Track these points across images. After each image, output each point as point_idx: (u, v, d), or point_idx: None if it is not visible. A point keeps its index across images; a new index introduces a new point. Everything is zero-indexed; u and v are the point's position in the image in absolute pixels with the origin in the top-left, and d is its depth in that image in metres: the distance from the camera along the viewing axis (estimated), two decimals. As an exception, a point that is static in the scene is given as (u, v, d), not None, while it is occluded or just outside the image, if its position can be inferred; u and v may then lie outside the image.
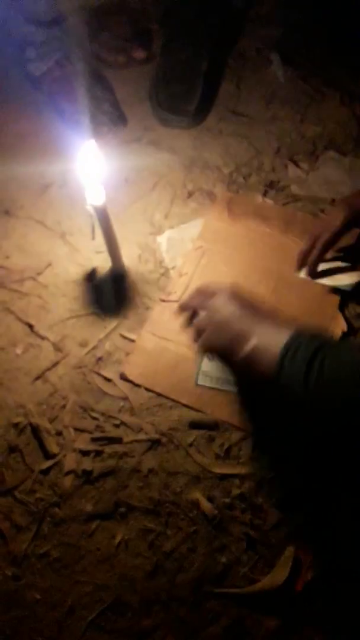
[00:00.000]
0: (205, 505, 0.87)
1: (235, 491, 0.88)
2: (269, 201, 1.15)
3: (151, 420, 0.93)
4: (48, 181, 1.20)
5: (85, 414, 0.95)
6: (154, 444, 0.92)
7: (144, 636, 0.81)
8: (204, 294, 0.88)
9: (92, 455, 0.91)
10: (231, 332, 0.80)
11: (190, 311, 0.90)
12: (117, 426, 0.93)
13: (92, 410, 0.95)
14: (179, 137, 1.26)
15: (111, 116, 1.26)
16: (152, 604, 0.82)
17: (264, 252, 1.08)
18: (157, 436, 0.92)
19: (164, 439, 0.92)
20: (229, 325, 0.81)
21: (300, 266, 1.04)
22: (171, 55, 1.32)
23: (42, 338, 1.01)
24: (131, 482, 0.89)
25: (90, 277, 1.07)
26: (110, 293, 1.06)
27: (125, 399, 0.95)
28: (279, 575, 0.82)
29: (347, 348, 0.74)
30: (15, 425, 0.94)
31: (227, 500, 0.87)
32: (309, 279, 1.04)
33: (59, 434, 0.93)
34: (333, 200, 1.15)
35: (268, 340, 0.76)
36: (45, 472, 0.90)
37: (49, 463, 0.91)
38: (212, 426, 0.92)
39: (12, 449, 0.93)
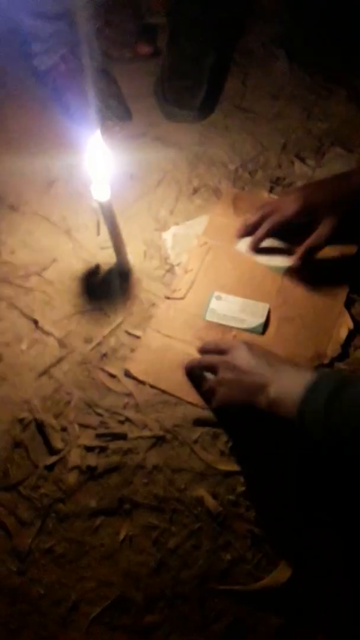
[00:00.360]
0: (210, 502, 0.87)
1: (240, 488, 0.88)
2: (275, 197, 1.14)
3: (156, 416, 0.93)
4: (53, 176, 1.19)
5: (89, 410, 0.95)
6: (159, 440, 0.92)
7: (148, 632, 0.81)
8: (215, 351, 0.90)
9: (96, 451, 0.91)
10: (248, 384, 0.81)
11: (202, 371, 0.93)
12: (121, 422, 0.93)
13: (97, 406, 0.95)
14: (184, 133, 1.25)
15: (116, 111, 1.26)
16: (156, 600, 0.82)
17: (269, 248, 1.08)
18: (161, 433, 0.92)
19: (168, 436, 0.92)
20: (246, 377, 0.81)
21: (240, 236, 1.06)
22: (177, 50, 1.31)
23: (47, 334, 1.01)
24: (135, 478, 0.89)
25: (95, 273, 1.07)
26: (115, 289, 1.06)
27: (130, 395, 0.95)
28: (283, 573, 0.82)
29: None
30: (20, 420, 0.94)
31: (231, 497, 0.87)
32: (247, 253, 1.06)
33: (64, 429, 0.93)
34: (290, 185, 1.16)
35: (287, 387, 0.76)
36: (49, 467, 0.90)
37: (54, 459, 0.91)
38: (217, 423, 0.92)
39: (17, 445, 0.93)
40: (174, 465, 0.90)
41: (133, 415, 0.93)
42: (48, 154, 1.22)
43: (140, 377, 0.96)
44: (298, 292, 1.03)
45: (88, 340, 1.00)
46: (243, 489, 0.88)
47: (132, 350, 0.99)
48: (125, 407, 0.95)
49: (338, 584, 0.82)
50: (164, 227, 1.12)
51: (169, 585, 0.83)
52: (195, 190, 1.17)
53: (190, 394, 0.95)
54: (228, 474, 0.89)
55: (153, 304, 1.03)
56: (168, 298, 1.04)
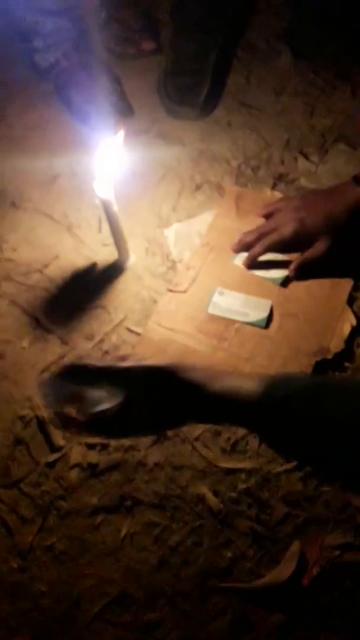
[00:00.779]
0: (211, 499, 0.87)
1: (241, 486, 0.87)
2: (277, 194, 1.14)
3: (157, 414, 0.93)
4: (55, 173, 1.19)
5: (91, 407, 0.94)
6: (160, 437, 0.91)
7: (149, 630, 0.81)
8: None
9: (97, 448, 0.91)
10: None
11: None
12: (123, 420, 0.93)
13: (98, 403, 0.94)
14: (187, 129, 1.25)
15: (119, 107, 1.25)
16: (157, 597, 0.82)
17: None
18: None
19: (169, 433, 0.91)
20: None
21: (237, 251, 1.06)
22: (180, 46, 1.31)
23: (49, 331, 1.01)
24: (137, 475, 0.89)
25: (97, 270, 1.07)
26: (117, 286, 1.06)
27: (132, 392, 0.95)
28: (284, 570, 0.81)
29: None
30: (22, 418, 0.94)
31: (233, 494, 0.87)
32: (243, 268, 1.05)
33: (65, 427, 0.93)
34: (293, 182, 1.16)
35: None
36: (51, 465, 0.90)
37: (55, 456, 0.91)
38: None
39: (18, 442, 0.93)
40: (175, 463, 0.90)
41: (134, 413, 0.93)
42: (50, 151, 1.22)
43: (142, 373, 0.96)
44: (300, 289, 1.02)
45: (89, 338, 1.00)
46: (244, 486, 0.87)
47: (134, 347, 0.99)
48: (126, 404, 0.94)
49: (340, 582, 0.82)
50: (166, 224, 1.12)
51: (170, 583, 0.83)
52: (198, 187, 1.17)
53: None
54: (229, 472, 0.89)
55: (155, 301, 1.03)
56: (170, 291, 1.03)
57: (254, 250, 1.03)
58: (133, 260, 1.07)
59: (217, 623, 0.81)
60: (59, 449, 0.91)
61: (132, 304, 1.03)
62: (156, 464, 0.89)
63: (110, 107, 1.24)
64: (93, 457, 0.90)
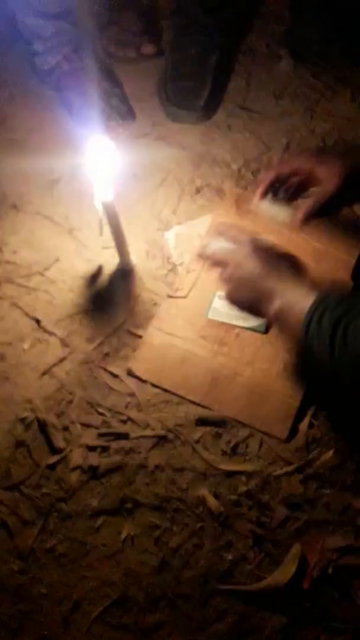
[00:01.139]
0: (212, 501, 0.87)
1: (242, 488, 0.88)
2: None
3: (158, 416, 0.93)
4: (56, 176, 1.19)
5: (92, 409, 0.95)
6: (161, 440, 0.92)
7: (150, 632, 0.81)
8: (225, 238, 0.87)
9: (98, 450, 0.91)
10: (255, 291, 0.80)
11: (210, 260, 0.88)
12: (123, 422, 0.93)
13: (99, 405, 0.95)
14: (187, 133, 1.25)
15: (119, 111, 1.26)
16: (158, 599, 0.82)
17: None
18: (163, 432, 0.92)
19: (170, 435, 0.92)
20: (253, 284, 0.81)
21: (264, 192, 0.99)
22: (181, 50, 1.31)
23: (49, 333, 1.01)
24: (137, 478, 0.89)
25: (97, 272, 1.07)
26: (118, 289, 1.06)
27: (132, 394, 0.95)
28: (285, 572, 0.81)
29: None
30: (22, 420, 0.94)
31: (233, 497, 0.87)
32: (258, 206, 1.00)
33: (66, 429, 0.93)
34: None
35: (293, 304, 0.76)
36: (51, 467, 0.90)
37: (56, 458, 0.91)
38: (219, 423, 0.92)
39: (19, 444, 0.93)
40: (175, 465, 0.90)
41: (135, 415, 0.93)
42: (51, 154, 1.22)
43: (143, 376, 0.96)
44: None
45: (90, 340, 1.00)
46: (245, 488, 0.87)
47: (134, 350, 0.99)
48: (127, 406, 0.95)
49: (341, 585, 0.82)
50: (167, 227, 1.12)
51: (171, 585, 0.83)
52: (198, 190, 1.17)
53: (191, 392, 0.95)
54: (230, 474, 0.89)
55: (155, 304, 1.03)
56: (170, 297, 1.04)
57: (307, 209, 0.94)
58: (134, 263, 1.08)
59: (218, 625, 0.81)
60: (60, 451, 0.91)
61: (132, 307, 1.04)
62: (157, 467, 0.90)
63: (111, 110, 1.24)
64: (94, 459, 0.90)
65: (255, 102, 1.29)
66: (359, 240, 1.07)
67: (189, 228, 1.12)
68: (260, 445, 0.90)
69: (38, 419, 0.94)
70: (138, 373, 0.97)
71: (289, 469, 0.88)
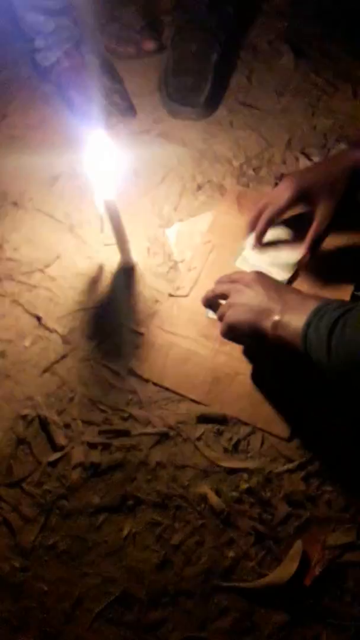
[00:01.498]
0: (213, 499, 0.87)
1: (244, 485, 0.88)
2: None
3: (159, 413, 0.93)
4: (57, 173, 1.19)
5: (93, 406, 0.95)
6: (162, 437, 0.91)
7: (152, 629, 0.81)
8: (228, 281, 0.91)
9: (100, 448, 0.91)
10: (254, 312, 0.82)
11: (215, 301, 0.94)
12: (125, 419, 0.93)
13: (100, 403, 0.95)
14: (188, 129, 1.25)
15: (120, 107, 1.25)
16: (160, 597, 0.82)
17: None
18: (165, 429, 0.92)
19: (172, 433, 0.92)
20: (252, 306, 0.83)
21: (250, 231, 1.05)
22: (182, 46, 1.31)
23: (51, 330, 1.01)
24: (139, 475, 0.89)
25: (99, 269, 1.07)
26: (119, 286, 1.06)
27: (134, 392, 0.95)
28: (287, 570, 0.81)
29: None
30: (24, 417, 0.94)
31: (235, 494, 0.87)
32: (254, 251, 1.05)
33: (67, 426, 0.93)
34: (282, 175, 1.15)
35: (292, 313, 0.78)
36: (53, 464, 0.90)
37: (57, 455, 0.91)
38: (221, 420, 0.92)
39: (20, 441, 0.93)
40: (177, 462, 0.90)
41: (136, 412, 0.93)
42: (51, 150, 1.22)
43: (144, 375, 0.96)
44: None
45: (91, 337, 1.00)
46: (247, 486, 0.87)
47: (136, 347, 0.99)
48: (128, 403, 0.95)
49: (342, 582, 0.82)
50: (168, 224, 1.12)
51: (173, 582, 0.83)
52: (200, 187, 1.17)
53: (193, 391, 0.94)
54: (231, 471, 0.89)
55: (157, 301, 1.03)
56: (172, 296, 1.04)
57: (258, 229, 1.01)
58: (135, 260, 1.07)
59: (220, 622, 0.81)
60: (61, 448, 0.91)
61: (134, 304, 1.03)
62: (158, 464, 0.90)
63: (111, 107, 1.24)
64: (95, 456, 0.90)
65: (257, 99, 1.29)
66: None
67: (190, 225, 1.12)
68: (262, 443, 0.90)
69: (39, 416, 0.94)
70: (139, 372, 0.97)
71: (291, 466, 0.88)
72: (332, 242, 1.05)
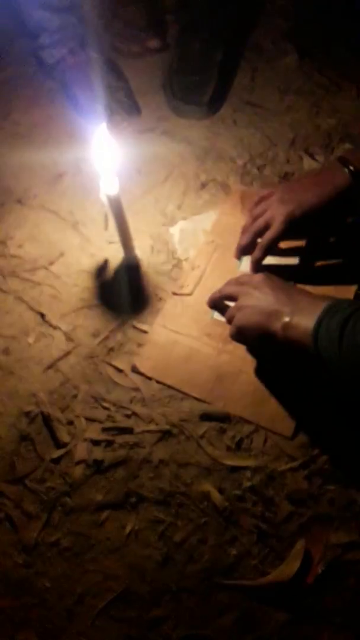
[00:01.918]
0: (216, 496, 0.87)
1: (246, 483, 0.88)
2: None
3: (162, 411, 0.93)
4: (61, 170, 1.19)
5: (96, 403, 0.95)
6: (165, 434, 0.92)
7: (154, 626, 0.81)
8: (236, 284, 0.91)
9: (103, 445, 0.91)
10: (263, 314, 0.82)
11: (221, 303, 0.94)
12: (128, 416, 0.93)
13: (104, 400, 0.95)
14: (193, 128, 1.25)
15: (125, 105, 1.25)
16: (162, 594, 0.82)
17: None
18: (168, 427, 0.92)
19: (175, 430, 0.92)
20: (261, 308, 0.82)
21: (239, 256, 1.05)
22: (186, 45, 1.31)
23: (54, 327, 1.01)
24: (142, 472, 0.89)
25: (102, 267, 1.07)
26: (122, 283, 1.06)
27: (137, 389, 0.95)
28: (289, 568, 0.81)
29: None
30: (27, 414, 0.94)
31: (238, 492, 0.87)
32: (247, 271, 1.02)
33: (70, 423, 0.93)
34: (286, 175, 1.15)
35: (303, 312, 0.78)
36: (56, 461, 0.91)
37: (60, 452, 0.91)
38: (224, 418, 0.92)
39: (23, 438, 0.93)
40: (180, 460, 0.90)
41: (140, 410, 0.93)
42: (56, 148, 1.22)
43: (147, 373, 0.96)
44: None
45: (95, 334, 1.00)
46: (249, 484, 0.87)
47: (139, 345, 0.99)
48: (131, 401, 0.95)
49: (345, 580, 0.82)
50: (172, 222, 1.12)
51: (175, 579, 0.83)
52: (203, 185, 1.17)
53: (196, 389, 0.95)
54: (234, 469, 0.89)
55: (160, 298, 1.03)
56: (175, 294, 1.04)
57: (255, 256, 0.98)
58: (138, 257, 1.07)
59: (222, 620, 0.81)
60: (64, 445, 0.91)
61: (137, 301, 1.03)
62: (161, 461, 0.90)
63: (116, 105, 1.24)
64: (98, 453, 0.90)
65: (261, 98, 1.29)
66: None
67: (194, 223, 1.12)
68: (265, 441, 0.90)
69: (42, 413, 0.94)
70: (142, 370, 0.97)
71: (294, 464, 0.88)
72: (333, 242, 1.05)
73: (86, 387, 0.96)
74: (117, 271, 1.07)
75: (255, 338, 0.85)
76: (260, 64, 1.34)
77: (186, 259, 1.07)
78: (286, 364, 0.93)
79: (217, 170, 1.18)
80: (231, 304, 0.91)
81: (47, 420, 0.93)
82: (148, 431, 0.92)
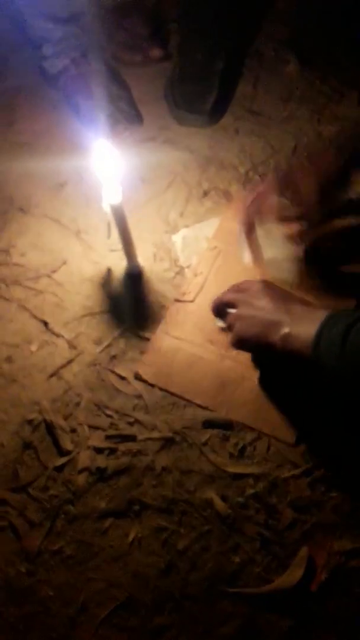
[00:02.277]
0: (219, 504, 0.87)
1: (249, 491, 0.88)
2: (285, 201, 1.14)
3: (165, 418, 0.93)
4: (64, 179, 1.20)
5: (99, 411, 0.95)
6: (168, 442, 0.92)
7: (157, 634, 0.81)
8: (236, 291, 0.90)
9: (106, 452, 0.91)
10: (262, 325, 0.81)
11: (223, 309, 0.93)
12: (131, 424, 0.93)
13: (107, 407, 0.95)
14: (195, 136, 1.25)
15: (127, 114, 1.26)
16: (165, 602, 0.82)
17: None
18: (171, 434, 0.92)
19: (177, 438, 0.92)
20: (260, 318, 0.82)
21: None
22: (188, 54, 1.31)
23: (57, 335, 1.02)
24: (145, 480, 0.89)
25: (105, 275, 1.08)
26: (125, 291, 1.06)
27: (140, 396, 0.95)
28: (292, 575, 0.81)
29: None
30: (30, 421, 0.94)
31: (241, 499, 0.87)
32: (251, 271, 1.02)
33: (73, 431, 0.93)
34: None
35: (302, 323, 0.77)
36: (59, 469, 0.91)
37: (63, 460, 0.91)
38: (227, 425, 0.92)
39: (27, 446, 0.93)
40: (183, 467, 0.90)
41: (142, 417, 0.93)
42: (58, 157, 1.22)
43: (150, 380, 0.97)
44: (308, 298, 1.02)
45: (98, 342, 1.01)
46: (252, 491, 0.87)
47: (142, 352, 0.99)
48: (134, 408, 0.95)
49: (348, 588, 0.82)
50: (174, 230, 1.12)
51: (178, 587, 0.83)
52: (206, 193, 1.17)
53: (199, 396, 0.95)
54: (237, 476, 0.89)
55: (163, 306, 1.04)
56: (178, 301, 1.04)
57: (252, 248, 0.98)
58: (141, 265, 1.08)
59: (225, 628, 0.81)
60: (68, 453, 0.92)
61: (139, 309, 1.04)
62: (164, 469, 0.90)
63: (118, 114, 1.25)
64: (101, 461, 0.90)
65: (263, 106, 1.29)
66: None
67: (196, 231, 1.12)
68: (268, 448, 0.90)
69: (45, 421, 0.94)
70: (145, 377, 0.97)
71: (297, 471, 0.88)
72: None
73: (89, 394, 0.96)
74: (120, 279, 1.07)
75: (254, 348, 0.85)
76: (262, 72, 1.35)
77: (189, 266, 1.08)
78: (288, 371, 0.92)
79: (220, 178, 1.19)
80: (232, 311, 0.91)
81: (50, 428, 0.93)
82: (151, 439, 0.92)
